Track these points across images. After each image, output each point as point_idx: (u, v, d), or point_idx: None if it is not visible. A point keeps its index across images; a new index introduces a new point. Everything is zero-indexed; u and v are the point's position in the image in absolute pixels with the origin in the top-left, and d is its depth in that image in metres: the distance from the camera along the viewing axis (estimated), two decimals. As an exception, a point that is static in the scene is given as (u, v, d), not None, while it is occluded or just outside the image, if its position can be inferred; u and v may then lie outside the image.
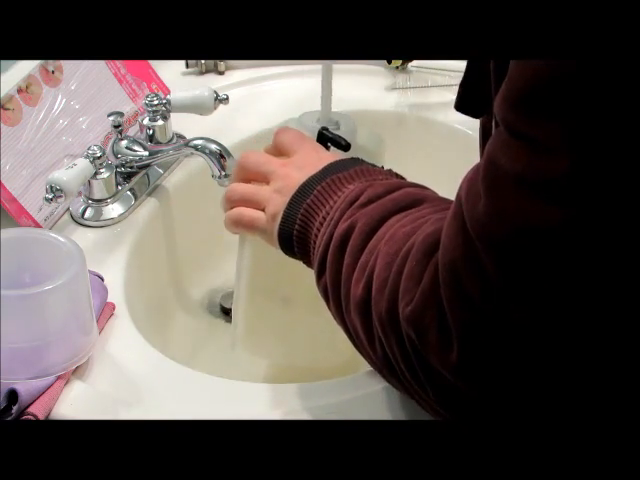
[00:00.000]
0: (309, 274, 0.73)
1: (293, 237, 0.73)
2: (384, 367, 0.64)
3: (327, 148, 0.82)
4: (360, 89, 1.16)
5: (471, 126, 1.10)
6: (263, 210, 0.76)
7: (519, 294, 0.51)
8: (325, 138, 0.82)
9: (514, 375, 0.54)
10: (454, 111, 1.18)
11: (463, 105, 0.64)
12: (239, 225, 0.78)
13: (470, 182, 0.54)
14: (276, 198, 0.75)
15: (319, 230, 0.71)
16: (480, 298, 0.53)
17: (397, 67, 1.18)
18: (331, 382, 0.78)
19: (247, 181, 0.79)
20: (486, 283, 0.52)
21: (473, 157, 1.05)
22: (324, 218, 0.71)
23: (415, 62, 1.18)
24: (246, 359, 0.90)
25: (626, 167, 0.47)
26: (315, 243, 0.71)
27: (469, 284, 0.53)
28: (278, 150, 0.80)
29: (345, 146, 0.82)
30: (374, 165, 0.75)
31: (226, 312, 1.05)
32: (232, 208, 0.79)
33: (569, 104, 0.47)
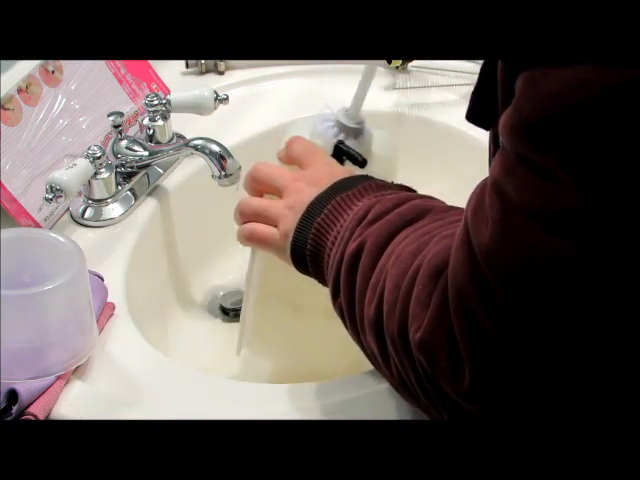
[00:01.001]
0: (318, 283, 0.73)
1: (306, 257, 0.73)
2: (401, 387, 0.64)
3: (342, 162, 0.81)
4: (360, 89, 1.16)
5: (471, 126, 1.10)
6: (276, 226, 0.76)
7: (530, 322, 0.51)
8: (341, 152, 0.81)
9: (526, 397, 0.53)
10: (454, 111, 1.18)
11: (473, 115, 0.63)
12: (252, 241, 0.78)
13: (476, 206, 0.54)
14: (288, 215, 0.74)
15: (331, 250, 0.70)
16: (491, 326, 0.52)
17: (397, 67, 1.18)
18: (331, 382, 0.78)
19: (260, 193, 0.79)
20: (496, 311, 0.52)
21: (472, 157, 1.05)
22: (335, 237, 0.70)
23: (415, 62, 1.18)
24: (250, 360, 0.90)
25: (638, 199, 0.46)
26: (328, 264, 0.71)
27: (479, 312, 0.52)
28: (289, 161, 0.79)
29: (361, 162, 0.80)
30: (382, 181, 0.75)
31: (226, 312, 1.05)
32: (245, 222, 0.78)
33: (581, 135, 0.46)
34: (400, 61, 1.17)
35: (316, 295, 0.75)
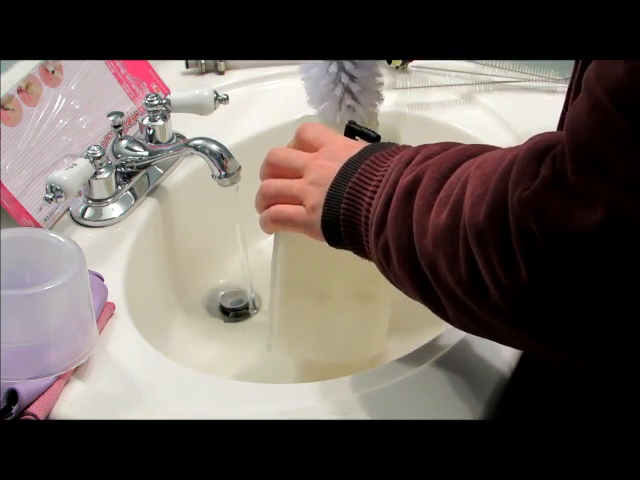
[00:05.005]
0: (343, 268, 0.72)
1: (340, 221, 0.71)
2: (468, 287, 0.61)
3: None
4: (360, 89, 1.16)
5: (471, 126, 1.10)
6: (300, 203, 0.75)
7: None
8: (353, 132, 0.80)
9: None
10: (454, 111, 1.18)
11: None
12: (278, 223, 0.76)
13: (597, 62, 0.52)
14: (313, 189, 0.73)
15: (372, 199, 0.69)
16: (619, 166, 0.51)
17: (397, 67, 1.18)
18: (331, 381, 0.78)
19: (277, 177, 0.77)
20: (627, 150, 0.50)
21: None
22: (376, 186, 0.69)
23: (415, 62, 1.18)
24: (279, 357, 0.90)
25: None
26: (369, 212, 0.69)
27: (614, 164, 0.51)
28: (302, 147, 0.78)
29: (375, 138, 0.79)
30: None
31: (226, 312, 1.05)
32: (268, 206, 0.77)
33: None
34: (400, 61, 1.17)
35: (343, 279, 0.74)
